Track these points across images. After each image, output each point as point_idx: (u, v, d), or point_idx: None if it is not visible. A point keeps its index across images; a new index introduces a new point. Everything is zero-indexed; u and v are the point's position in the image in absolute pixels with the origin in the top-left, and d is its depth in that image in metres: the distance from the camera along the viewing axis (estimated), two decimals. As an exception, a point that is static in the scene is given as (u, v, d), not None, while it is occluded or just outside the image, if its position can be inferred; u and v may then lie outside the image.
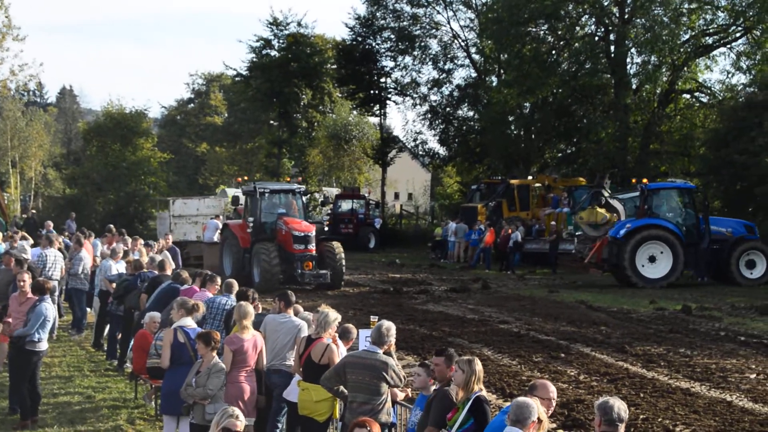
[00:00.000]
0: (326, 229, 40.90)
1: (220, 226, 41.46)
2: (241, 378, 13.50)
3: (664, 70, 55.78)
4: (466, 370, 10.24)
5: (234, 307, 14.94)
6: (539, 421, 8.90)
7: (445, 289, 37.66)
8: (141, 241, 29.26)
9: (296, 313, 15.33)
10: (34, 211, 65.04)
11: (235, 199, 41.19)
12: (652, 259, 38.60)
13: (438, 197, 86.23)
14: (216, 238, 41.49)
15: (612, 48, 57.52)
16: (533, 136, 64.54)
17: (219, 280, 18.53)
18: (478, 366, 10.33)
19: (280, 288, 16.55)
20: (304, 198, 40.09)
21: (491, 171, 65.80)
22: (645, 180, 41.37)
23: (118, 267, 23.93)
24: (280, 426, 14.47)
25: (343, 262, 37.29)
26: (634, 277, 38.36)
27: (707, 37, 57.08)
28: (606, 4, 57.98)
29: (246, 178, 59.22)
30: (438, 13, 71.98)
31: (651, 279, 38.22)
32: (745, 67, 55.08)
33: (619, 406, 8.42)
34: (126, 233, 32.44)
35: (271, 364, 14.29)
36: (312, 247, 36.00)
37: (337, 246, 37.42)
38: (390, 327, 12.27)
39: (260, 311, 16.03)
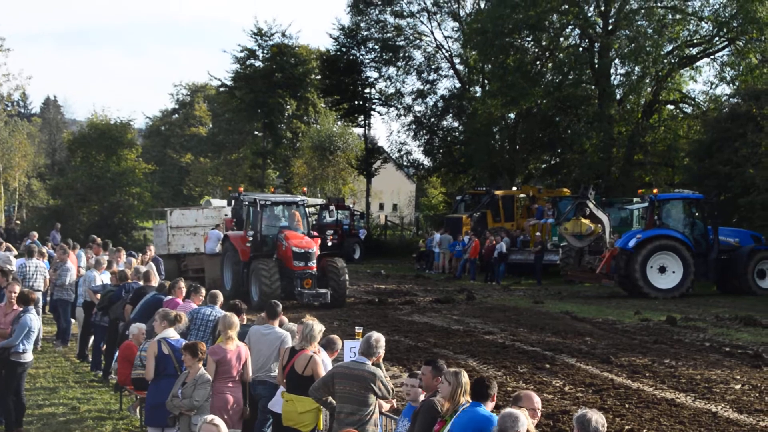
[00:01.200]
0: (330, 243, 38.96)
1: (222, 236, 39.65)
2: (225, 389, 13.49)
3: (648, 80, 56.01)
4: (452, 382, 10.23)
5: (219, 318, 14.94)
6: None
7: (430, 300, 37.63)
8: (124, 253, 29.11)
9: (281, 324, 15.33)
10: (18, 222, 64.89)
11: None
12: (662, 270, 38.78)
13: (423, 208, 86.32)
14: (218, 249, 39.67)
15: (596, 59, 57.71)
16: (517, 147, 64.66)
17: (203, 290, 18.52)
18: (465, 378, 10.32)
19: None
20: (307, 210, 38.68)
21: (476, 182, 65.75)
22: (655, 190, 41.69)
23: (103, 278, 23.86)
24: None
25: (347, 279, 35.56)
26: (645, 287, 38.46)
27: (691, 48, 57.26)
28: (590, 15, 58.12)
29: (230, 189, 59.20)
30: (422, 23, 72.27)
31: (662, 290, 38.36)
32: (728, 77, 55.37)
33: (597, 419, 8.32)
34: (110, 244, 32.34)
35: (256, 375, 14.28)
36: (312, 264, 34.31)
37: (340, 262, 35.75)
38: (379, 338, 12.26)
39: (245, 322, 16.02)
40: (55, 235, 47.55)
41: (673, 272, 38.70)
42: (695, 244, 39.07)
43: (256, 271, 34.02)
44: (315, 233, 37.91)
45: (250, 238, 35.38)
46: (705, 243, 39.29)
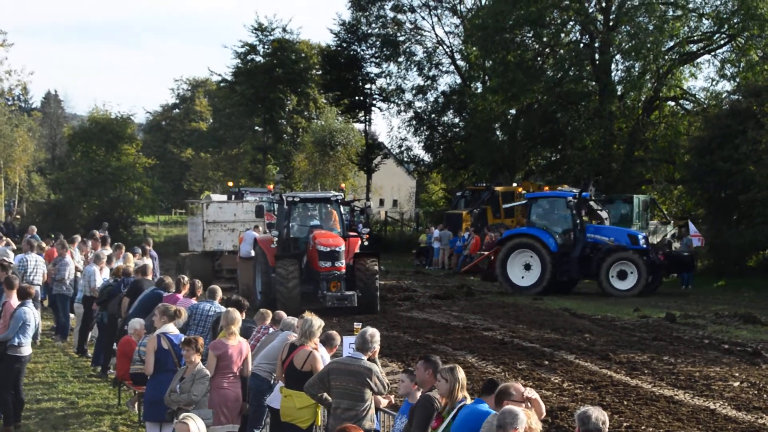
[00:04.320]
0: (365, 243, 35.04)
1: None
2: (224, 384, 13.52)
3: (648, 77, 55.91)
4: (449, 378, 10.23)
5: (220, 313, 14.97)
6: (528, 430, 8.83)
7: (430, 295, 37.62)
8: (124, 249, 28.96)
9: (280, 320, 15.37)
10: (18, 216, 64.90)
11: (260, 210, 36.47)
12: (528, 267, 39.18)
13: (423, 204, 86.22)
14: (253, 252, 35.38)
15: (596, 55, 57.61)
16: (518, 143, 64.55)
17: (200, 284, 18.63)
18: (461, 374, 10.33)
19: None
20: (342, 208, 34.61)
21: (476, 178, 65.65)
22: (519, 189, 45.03)
23: (105, 273, 23.84)
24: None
25: (377, 282, 32.48)
26: (505, 284, 39.30)
27: (691, 45, 57.11)
28: (591, 11, 58.05)
29: (231, 184, 59.01)
30: (423, 19, 72.21)
31: (521, 287, 38.89)
32: (729, 74, 55.16)
33: (598, 417, 8.32)
34: (108, 241, 32.17)
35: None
36: (341, 264, 31.38)
37: (371, 262, 32.49)
38: (374, 334, 12.27)
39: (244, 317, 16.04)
40: (138, 248, 47.56)
41: (535, 270, 39.11)
42: (562, 242, 39.20)
43: (277, 273, 31.17)
44: (354, 233, 34.81)
45: (276, 239, 32.71)
46: (573, 241, 39.38)
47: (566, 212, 39.65)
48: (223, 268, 41.15)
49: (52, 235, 30.06)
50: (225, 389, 13.53)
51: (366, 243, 34.92)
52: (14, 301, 16.69)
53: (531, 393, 9.59)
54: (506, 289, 38.92)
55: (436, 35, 73.00)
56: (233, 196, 42.45)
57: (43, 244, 29.75)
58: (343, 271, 31.53)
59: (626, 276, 38.08)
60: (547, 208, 40.34)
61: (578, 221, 39.25)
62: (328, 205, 34.11)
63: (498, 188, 54.83)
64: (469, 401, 10.31)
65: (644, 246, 38.61)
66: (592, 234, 39.18)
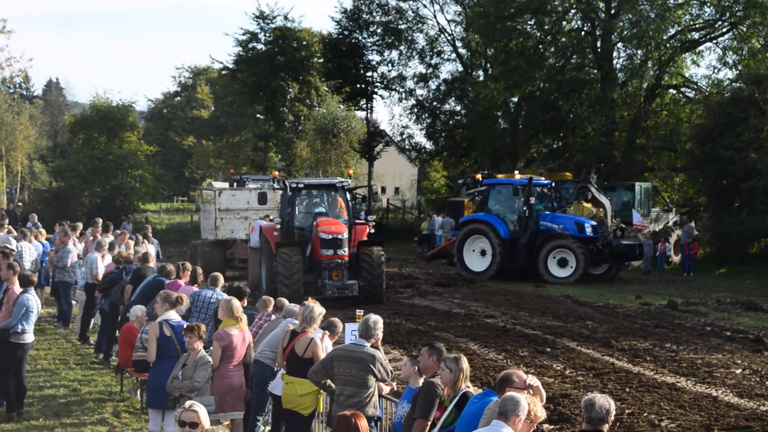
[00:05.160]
0: (372, 230, 33.64)
1: None
2: (229, 372, 13.52)
3: (650, 65, 55.90)
4: (453, 369, 10.20)
5: (220, 301, 14.98)
6: (533, 417, 8.81)
7: (432, 283, 37.63)
8: (128, 234, 28.96)
9: (282, 307, 15.38)
10: (20, 204, 64.87)
11: (262, 197, 37.20)
12: (483, 253, 39.98)
13: (425, 191, 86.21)
14: None
15: (598, 43, 57.59)
16: (520, 131, 64.50)
17: (201, 271, 18.72)
18: (465, 364, 10.30)
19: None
20: (348, 195, 33.27)
21: (478, 165, 65.57)
22: (478, 176, 46.84)
23: (107, 260, 23.82)
24: (260, 419, 14.53)
25: (383, 271, 31.43)
26: (461, 268, 40.27)
27: (693, 33, 57.08)
28: (593, -2, 58.05)
29: (233, 171, 59.00)
30: (425, 6, 72.12)
31: (475, 272, 39.66)
32: (731, 62, 55.12)
33: (602, 404, 8.33)
34: (112, 227, 32.18)
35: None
36: (343, 252, 30.39)
37: (377, 250, 31.31)
38: (377, 320, 12.27)
39: (245, 305, 16.05)
40: (126, 226, 47.64)
41: (488, 256, 40.05)
42: (514, 229, 39.82)
43: (278, 261, 30.08)
44: (361, 220, 33.66)
45: (278, 227, 31.49)
46: (524, 228, 39.91)
47: (518, 199, 40.21)
48: (235, 257, 40.36)
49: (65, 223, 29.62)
50: (229, 378, 13.52)
51: (372, 231, 33.94)
52: (17, 288, 16.68)
53: (533, 380, 9.58)
54: (463, 274, 39.49)
55: (438, 23, 72.94)
56: (235, 184, 42.07)
57: (44, 232, 29.77)
58: (346, 259, 30.51)
59: (566, 263, 38.50)
60: (504, 194, 40.93)
61: (525, 208, 39.72)
62: (334, 192, 32.92)
63: (500, 176, 54.77)
64: (471, 390, 10.28)
65: (591, 234, 38.90)
66: (546, 222, 39.53)
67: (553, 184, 41.78)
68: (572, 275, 38.12)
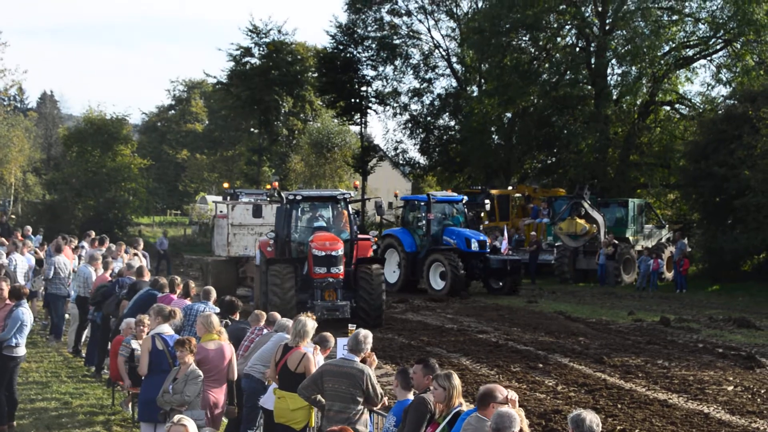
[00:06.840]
0: (375, 247, 32.15)
1: None
2: (206, 388, 13.42)
3: (644, 81, 55.94)
4: (446, 386, 10.18)
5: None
6: None
7: (424, 298, 37.61)
8: (124, 247, 28.83)
9: (274, 321, 15.37)
10: (13, 216, 64.77)
11: (257, 209, 34.98)
12: (400, 265, 40.95)
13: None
14: None
15: (593, 59, 57.72)
16: (513, 146, 64.60)
17: (193, 285, 18.67)
18: (457, 381, 10.30)
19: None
20: (350, 208, 30.75)
21: (471, 180, 65.67)
22: (396, 192, 47.86)
23: (98, 273, 23.77)
24: None
25: (383, 291, 28.84)
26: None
27: (688, 49, 57.23)
28: (587, 15, 58.16)
29: (228, 185, 58.96)
30: (419, 22, 72.30)
31: (390, 283, 39.48)
32: (725, 79, 55.26)
33: (591, 420, 8.31)
34: (107, 239, 32.10)
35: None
36: (337, 270, 27.89)
37: (376, 270, 28.77)
38: (367, 335, 12.27)
39: (237, 319, 16.03)
40: (163, 241, 47.59)
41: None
42: (420, 243, 40.63)
43: (270, 279, 27.79)
44: (365, 236, 31.97)
45: (271, 241, 30.07)
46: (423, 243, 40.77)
47: (422, 215, 41.02)
48: (247, 276, 37.23)
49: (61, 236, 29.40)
50: (206, 393, 13.45)
51: (375, 247, 32.68)
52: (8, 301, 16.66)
53: (512, 395, 9.60)
54: None
55: (432, 38, 73.20)
56: (228, 198, 41.94)
57: (30, 244, 29.83)
58: (341, 278, 28.06)
59: (446, 276, 38.82)
60: (416, 210, 41.70)
61: (422, 224, 40.80)
62: (335, 205, 30.77)
63: (493, 191, 54.85)
64: (464, 407, 10.29)
65: (476, 250, 39.52)
66: (447, 237, 40.36)
67: (465, 200, 42.08)
68: (443, 288, 38.69)
